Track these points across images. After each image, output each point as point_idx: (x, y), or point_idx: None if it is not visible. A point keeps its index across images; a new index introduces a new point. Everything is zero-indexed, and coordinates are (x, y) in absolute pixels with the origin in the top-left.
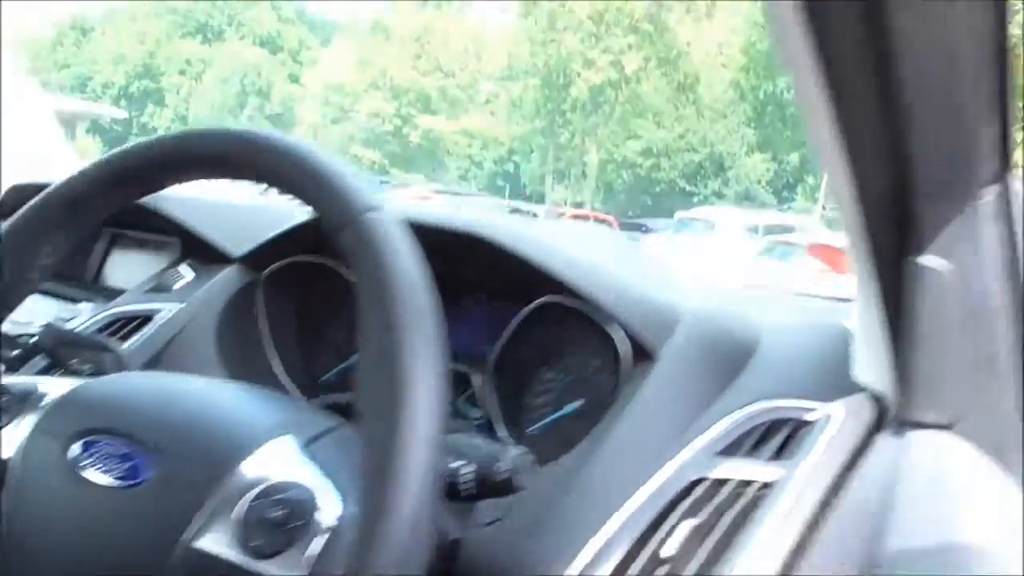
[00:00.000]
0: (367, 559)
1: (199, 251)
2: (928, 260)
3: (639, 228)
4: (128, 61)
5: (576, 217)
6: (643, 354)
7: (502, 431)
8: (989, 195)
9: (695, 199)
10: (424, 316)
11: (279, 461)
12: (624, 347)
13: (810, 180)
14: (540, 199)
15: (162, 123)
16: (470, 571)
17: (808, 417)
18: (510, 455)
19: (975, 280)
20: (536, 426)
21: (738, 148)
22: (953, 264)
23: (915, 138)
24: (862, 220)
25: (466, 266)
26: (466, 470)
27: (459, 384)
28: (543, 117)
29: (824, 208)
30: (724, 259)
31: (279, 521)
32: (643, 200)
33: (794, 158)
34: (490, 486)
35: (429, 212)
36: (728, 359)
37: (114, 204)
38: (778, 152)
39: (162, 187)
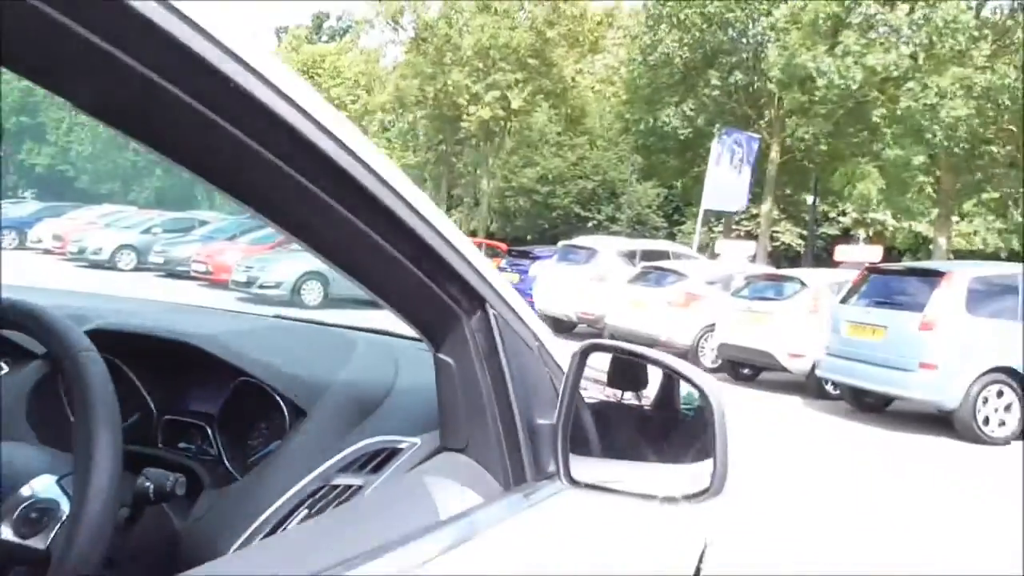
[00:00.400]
0: (72, 535)
1: (11, 350)
2: (441, 356)
3: (527, 255)
4: (3, 95)
5: None
6: (299, 412)
7: (227, 463)
8: (474, 320)
9: (590, 224)
10: (110, 425)
11: (42, 486)
12: (285, 408)
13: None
14: None
15: (42, 159)
16: (191, 546)
17: (401, 445)
18: (172, 478)
19: (467, 368)
20: (253, 458)
21: (629, 175)
22: (454, 358)
23: (392, 298)
24: (409, 324)
25: (185, 356)
26: (150, 487)
27: (201, 433)
28: (435, 148)
29: (701, 233)
30: (598, 284)
31: (38, 517)
32: (540, 225)
33: (681, 185)
34: (162, 495)
35: (156, 322)
36: (360, 410)
37: None
38: (665, 179)
39: None
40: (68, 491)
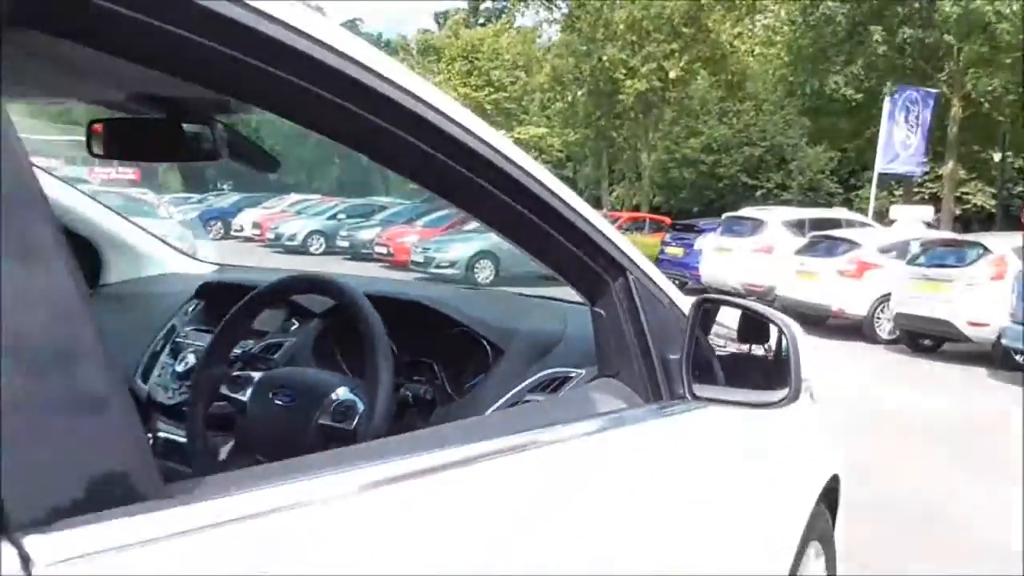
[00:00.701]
0: (370, 422)
1: (300, 311)
2: (596, 309)
3: (692, 228)
4: None
5: (632, 220)
6: (499, 351)
7: (449, 389)
8: (618, 284)
9: (758, 193)
10: (387, 355)
11: (343, 392)
12: (489, 349)
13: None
14: (596, 202)
15: None
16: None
17: (571, 374)
18: (423, 388)
19: (615, 318)
20: (467, 384)
21: (799, 139)
22: (605, 311)
23: (555, 263)
24: (571, 287)
25: (418, 313)
26: (409, 394)
27: (429, 368)
28: (594, 124)
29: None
30: (765, 255)
31: (344, 411)
32: (706, 196)
33: (854, 148)
34: (418, 400)
35: (393, 288)
36: (542, 349)
37: (264, 308)
38: (836, 143)
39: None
40: (360, 396)
